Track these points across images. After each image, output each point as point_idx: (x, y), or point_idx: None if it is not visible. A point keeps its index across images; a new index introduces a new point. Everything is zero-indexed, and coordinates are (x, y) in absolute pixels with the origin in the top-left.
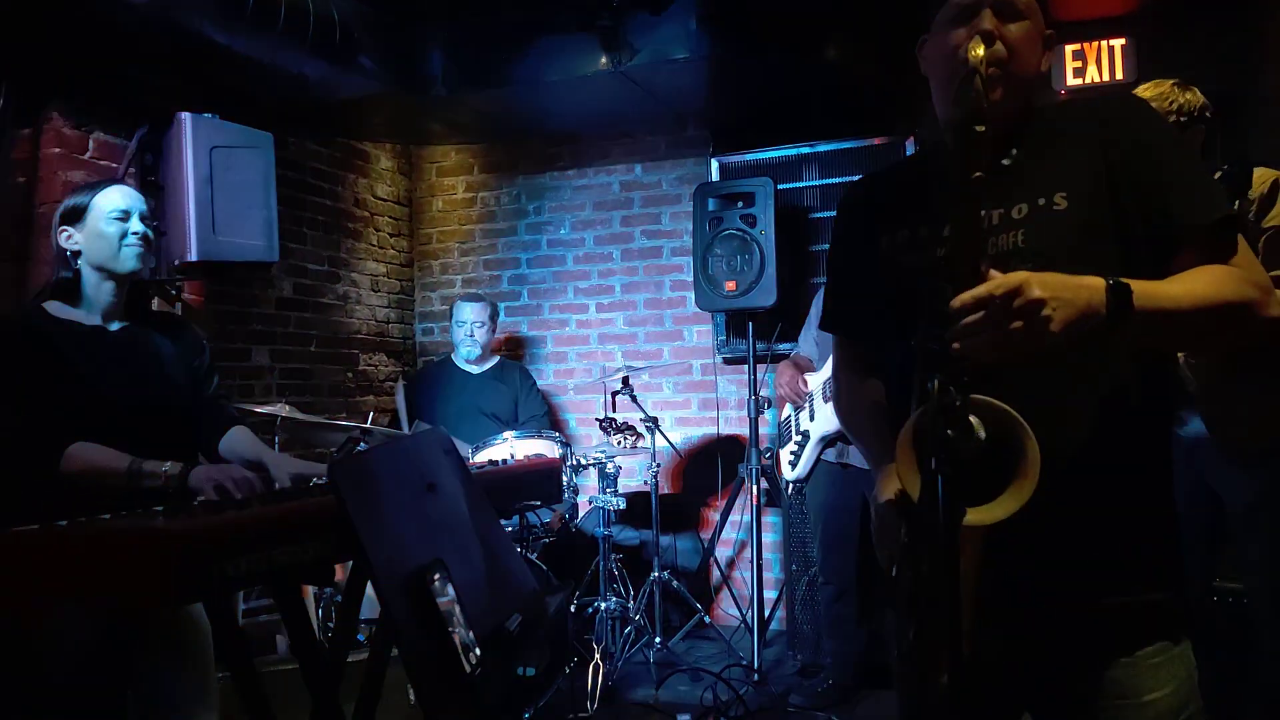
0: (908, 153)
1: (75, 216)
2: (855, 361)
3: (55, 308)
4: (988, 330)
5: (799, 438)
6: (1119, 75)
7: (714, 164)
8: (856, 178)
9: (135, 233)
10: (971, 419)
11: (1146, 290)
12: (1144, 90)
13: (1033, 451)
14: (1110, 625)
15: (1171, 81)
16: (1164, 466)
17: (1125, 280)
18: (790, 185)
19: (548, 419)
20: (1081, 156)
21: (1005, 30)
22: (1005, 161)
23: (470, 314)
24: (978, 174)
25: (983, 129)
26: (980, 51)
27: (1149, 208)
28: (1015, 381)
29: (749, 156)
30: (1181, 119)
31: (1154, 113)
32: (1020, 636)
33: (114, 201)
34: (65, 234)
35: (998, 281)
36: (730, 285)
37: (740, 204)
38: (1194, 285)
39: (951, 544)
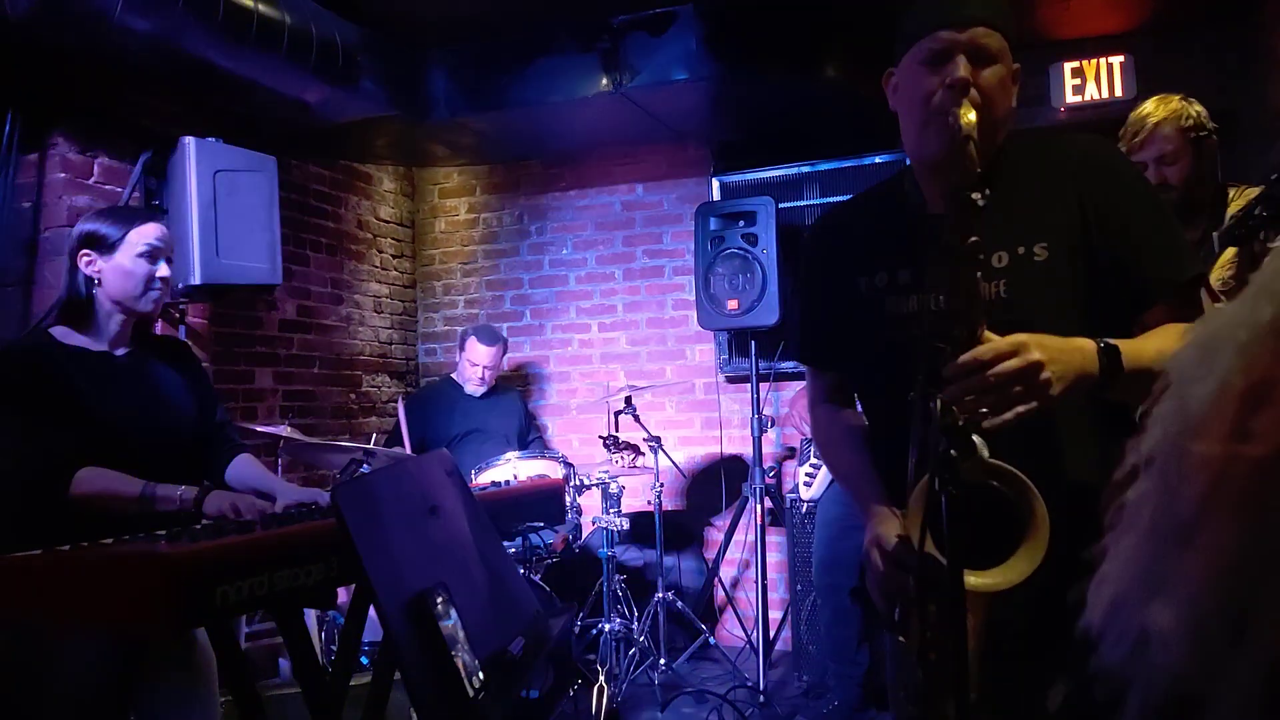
0: None
1: (104, 245)
2: (831, 393)
3: (61, 333)
4: (986, 392)
5: (815, 459)
6: (1118, 93)
7: (715, 183)
8: (837, 199)
9: (162, 278)
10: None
11: (1131, 350)
12: (1153, 105)
13: (1041, 513)
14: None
15: (1179, 96)
16: None
17: (1113, 342)
18: (791, 204)
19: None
20: (1059, 206)
21: (979, 76)
22: (978, 201)
23: (485, 357)
24: (974, 239)
25: (978, 197)
26: (972, 118)
27: (1122, 263)
28: (1022, 440)
29: (750, 175)
30: (1201, 133)
31: (1128, 164)
32: (1017, 689)
33: (148, 240)
34: (87, 259)
35: (996, 344)
36: (732, 304)
37: (742, 223)
38: (1168, 345)
39: (958, 588)
